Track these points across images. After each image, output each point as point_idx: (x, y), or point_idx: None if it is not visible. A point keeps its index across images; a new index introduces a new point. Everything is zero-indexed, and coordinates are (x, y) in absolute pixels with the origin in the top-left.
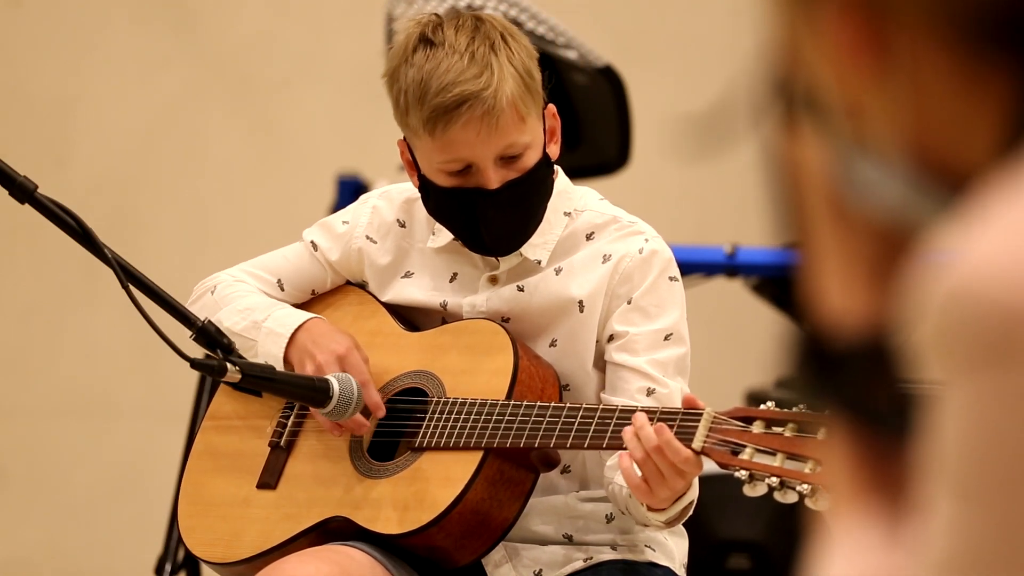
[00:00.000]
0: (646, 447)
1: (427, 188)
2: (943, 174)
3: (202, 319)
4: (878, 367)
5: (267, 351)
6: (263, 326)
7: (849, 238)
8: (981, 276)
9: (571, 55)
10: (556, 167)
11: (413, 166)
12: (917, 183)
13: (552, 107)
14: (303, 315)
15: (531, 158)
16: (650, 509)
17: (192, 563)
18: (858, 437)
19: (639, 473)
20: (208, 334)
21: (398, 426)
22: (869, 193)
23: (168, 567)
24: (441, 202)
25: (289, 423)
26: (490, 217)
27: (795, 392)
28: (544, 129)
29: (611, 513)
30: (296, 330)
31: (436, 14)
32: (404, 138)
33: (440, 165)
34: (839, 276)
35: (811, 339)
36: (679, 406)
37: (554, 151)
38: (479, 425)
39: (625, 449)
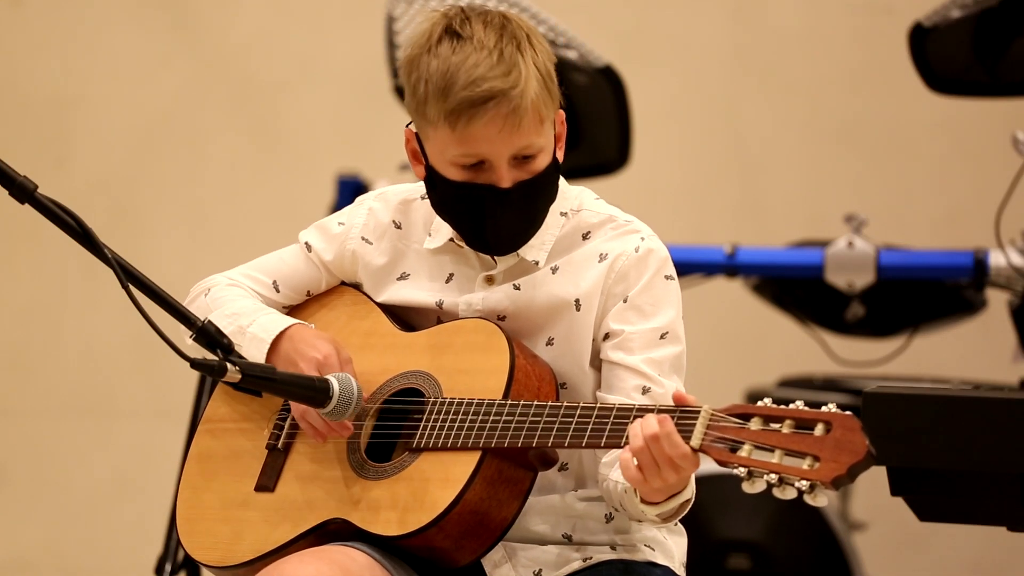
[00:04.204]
0: (645, 435)
1: (434, 180)
2: None
3: (201, 319)
4: None
5: (251, 356)
6: (248, 331)
7: None
8: None
9: (571, 55)
10: None
11: (419, 156)
12: None
13: (561, 113)
14: (286, 321)
15: (543, 161)
16: (644, 502)
17: (192, 563)
18: None
19: (635, 462)
20: (208, 334)
21: (395, 427)
22: None
23: (168, 567)
24: (448, 195)
25: (286, 425)
26: (498, 215)
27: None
28: (554, 134)
29: (610, 513)
30: (278, 336)
31: (462, 7)
32: (412, 126)
33: (454, 158)
34: None
35: None
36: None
37: (559, 156)
38: (476, 425)
39: (622, 447)
